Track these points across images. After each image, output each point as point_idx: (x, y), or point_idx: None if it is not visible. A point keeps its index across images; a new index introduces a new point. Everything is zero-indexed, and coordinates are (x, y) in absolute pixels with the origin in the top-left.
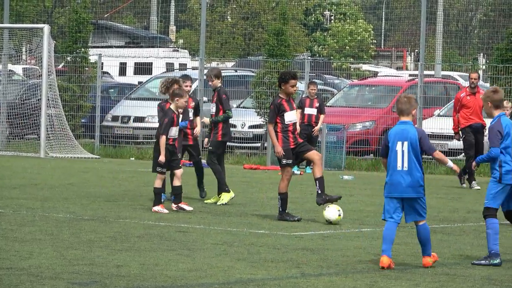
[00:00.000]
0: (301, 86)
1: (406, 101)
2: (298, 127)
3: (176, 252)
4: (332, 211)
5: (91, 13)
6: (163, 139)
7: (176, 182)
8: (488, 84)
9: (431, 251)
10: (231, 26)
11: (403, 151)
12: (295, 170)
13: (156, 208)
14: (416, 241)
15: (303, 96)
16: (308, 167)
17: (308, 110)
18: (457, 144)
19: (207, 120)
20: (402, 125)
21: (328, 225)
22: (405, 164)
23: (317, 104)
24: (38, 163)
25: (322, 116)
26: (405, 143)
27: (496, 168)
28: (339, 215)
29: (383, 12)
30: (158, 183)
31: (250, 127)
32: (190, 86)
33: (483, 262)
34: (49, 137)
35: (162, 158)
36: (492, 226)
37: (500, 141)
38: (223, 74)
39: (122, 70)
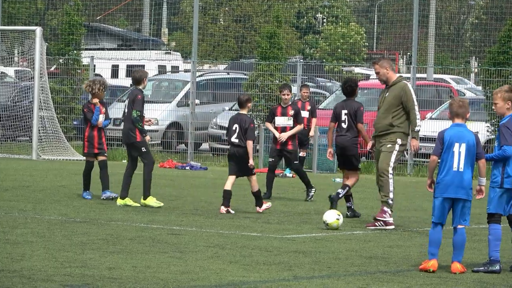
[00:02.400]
0: (293, 89)
1: (462, 104)
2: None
3: (168, 255)
4: (331, 214)
5: (84, 16)
6: (250, 143)
7: (228, 186)
8: (480, 88)
9: (461, 258)
10: (224, 28)
11: (460, 153)
12: (287, 172)
13: (264, 206)
14: (408, 244)
15: (295, 99)
16: (288, 169)
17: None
18: None
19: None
20: (458, 127)
21: (320, 228)
22: (461, 165)
23: (309, 107)
24: (30, 165)
25: (314, 120)
26: (463, 145)
27: (496, 173)
28: (337, 219)
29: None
30: (256, 186)
31: None
32: (289, 95)
33: (481, 269)
34: (41, 139)
35: (251, 162)
36: (494, 232)
37: None
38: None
39: (114, 73)
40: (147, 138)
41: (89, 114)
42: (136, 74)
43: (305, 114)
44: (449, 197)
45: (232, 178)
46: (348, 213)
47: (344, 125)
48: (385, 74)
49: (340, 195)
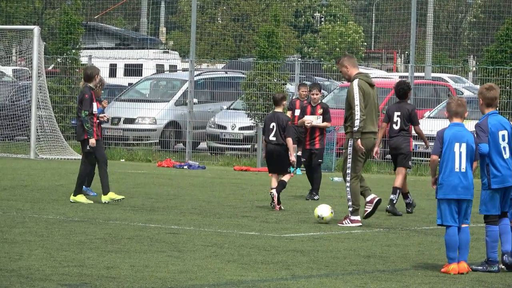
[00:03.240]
0: (291, 88)
1: (460, 103)
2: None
3: (166, 254)
4: (324, 208)
5: (82, 15)
6: (290, 140)
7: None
8: (478, 86)
9: (467, 257)
10: (222, 27)
11: (460, 153)
12: (298, 171)
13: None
14: (406, 243)
15: (293, 98)
16: (298, 169)
17: (298, 112)
18: None
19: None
20: (457, 127)
21: (318, 227)
22: (463, 166)
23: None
24: (28, 164)
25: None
26: (463, 145)
27: (482, 175)
28: (332, 213)
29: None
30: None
31: (240, 128)
32: (317, 94)
33: (480, 268)
34: (39, 139)
35: (293, 158)
36: (490, 234)
37: (486, 138)
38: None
39: (112, 72)
40: (92, 141)
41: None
42: (88, 70)
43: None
44: (455, 199)
45: (275, 177)
46: (408, 209)
47: (395, 127)
48: (346, 73)
49: (394, 202)
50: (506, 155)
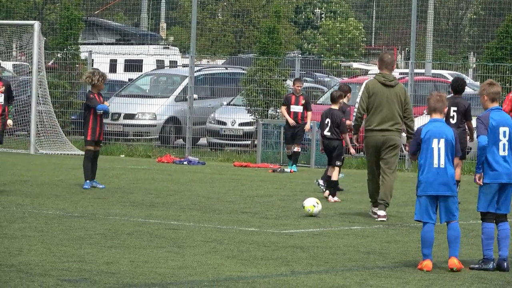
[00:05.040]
0: (291, 84)
1: (439, 99)
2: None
3: (166, 250)
4: (310, 200)
5: (82, 10)
6: (347, 135)
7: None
8: (478, 83)
9: (458, 253)
10: (222, 23)
11: (439, 148)
12: (293, 168)
13: (336, 198)
14: (406, 239)
15: (288, 93)
16: (294, 165)
17: (294, 108)
18: None
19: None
20: (436, 122)
21: (317, 224)
22: (441, 162)
23: (303, 101)
24: (28, 159)
25: (309, 113)
26: (442, 140)
27: (477, 170)
28: (314, 206)
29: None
30: (336, 176)
31: (240, 124)
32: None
33: (476, 266)
34: (39, 134)
35: (352, 150)
36: (485, 231)
37: (485, 131)
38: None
39: (113, 67)
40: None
41: (94, 100)
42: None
43: (299, 108)
44: (432, 195)
45: (331, 168)
46: None
47: (452, 121)
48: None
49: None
50: (505, 152)
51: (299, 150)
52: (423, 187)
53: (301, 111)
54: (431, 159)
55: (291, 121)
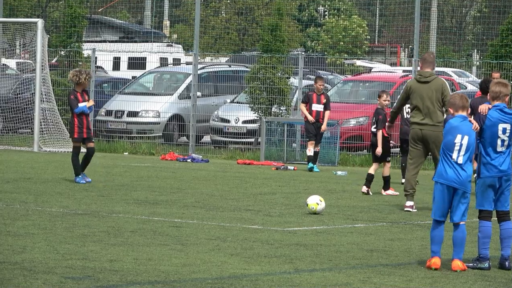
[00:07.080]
0: (295, 81)
1: (465, 98)
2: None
3: (170, 247)
4: (313, 197)
5: (86, 8)
6: (380, 133)
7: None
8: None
9: (462, 256)
10: (225, 21)
11: (461, 144)
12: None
13: (390, 192)
14: (409, 237)
15: (309, 92)
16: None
17: (315, 106)
18: None
19: None
20: (462, 119)
21: (321, 221)
22: (460, 158)
23: (324, 100)
24: (32, 157)
25: (327, 112)
26: (465, 137)
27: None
28: (317, 203)
29: (377, 8)
30: (387, 171)
31: (244, 122)
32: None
33: (471, 265)
34: (42, 132)
35: (379, 149)
36: (482, 230)
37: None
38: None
39: (116, 65)
40: None
41: (75, 102)
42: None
43: (320, 107)
44: (447, 188)
45: (374, 165)
46: None
47: None
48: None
49: None
50: (502, 148)
51: (318, 150)
52: (439, 175)
53: (323, 110)
54: (451, 153)
55: (310, 118)
